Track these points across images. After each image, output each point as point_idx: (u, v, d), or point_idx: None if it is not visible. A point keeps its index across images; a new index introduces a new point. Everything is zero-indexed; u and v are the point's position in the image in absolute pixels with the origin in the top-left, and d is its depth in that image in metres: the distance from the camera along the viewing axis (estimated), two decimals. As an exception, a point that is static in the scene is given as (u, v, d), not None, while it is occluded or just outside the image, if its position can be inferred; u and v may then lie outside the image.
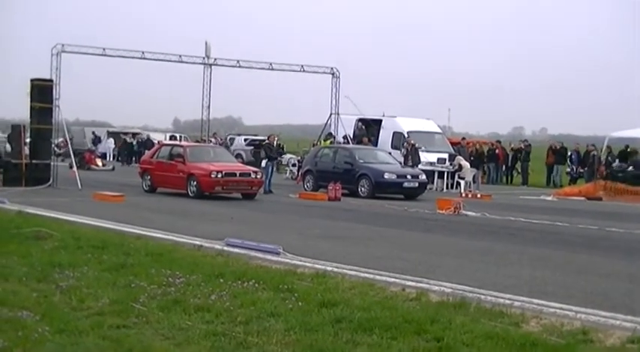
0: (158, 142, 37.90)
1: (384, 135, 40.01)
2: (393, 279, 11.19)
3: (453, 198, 25.84)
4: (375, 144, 38.72)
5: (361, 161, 29.99)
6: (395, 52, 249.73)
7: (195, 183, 26.14)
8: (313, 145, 39.87)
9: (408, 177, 29.74)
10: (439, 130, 42.59)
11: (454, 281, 11.03)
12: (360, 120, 41.87)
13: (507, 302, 9.70)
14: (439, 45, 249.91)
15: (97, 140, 62.50)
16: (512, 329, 8.21)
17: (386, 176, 29.09)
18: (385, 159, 31.56)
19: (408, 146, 35.35)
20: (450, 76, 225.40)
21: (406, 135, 38.16)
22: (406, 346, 7.48)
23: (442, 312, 8.79)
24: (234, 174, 26.45)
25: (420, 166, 33.70)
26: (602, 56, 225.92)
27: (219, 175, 25.98)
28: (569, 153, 41.95)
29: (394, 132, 39.40)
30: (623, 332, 8.30)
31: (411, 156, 34.80)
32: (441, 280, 11.14)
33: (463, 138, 45.07)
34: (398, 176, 29.37)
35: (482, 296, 10.00)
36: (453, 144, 40.76)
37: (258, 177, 27.11)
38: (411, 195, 29.27)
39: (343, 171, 29.72)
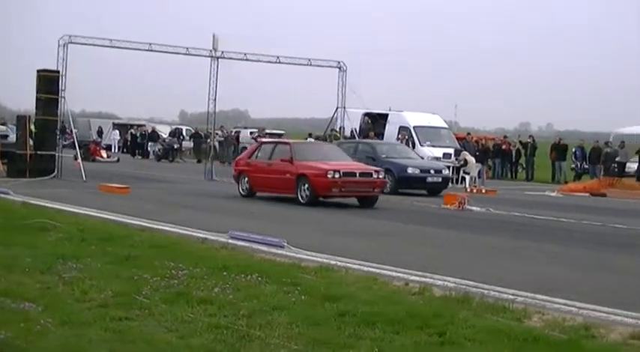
0: (257, 139, 35.75)
1: (390, 129, 40.00)
2: (396, 274, 11.19)
3: (459, 193, 25.78)
4: (381, 138, 38.70)
5: (384, 156, 29.34)
6: (401, 45, 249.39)
7: (307, 185, 22.66)
8: (316, 138, 39.77)
9: (432, 171, 29.21)
10: (445, 125, 42.59)
11: (458, 276, 11.02)
12: (366, 114, 41.87)
13: (511, 297, 9.70)
14: (445, 39, 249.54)
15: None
16: (515, 324, 8.21)
17: (409, 171, 28.52)
18: (408, 153, 31.18)
19: (402, 140, 35.22)
20: (457, 71, 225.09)
21: (412, 130, 38.18)
22: (409, 340, 7.49)
23: (445, 307, 8.79)
24: (354, 174, 22.96)
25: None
26: (610, 53, 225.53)
27: (337, 175, 22.52)
28: (573, 149, 42.02)
29: (400, 127, 39.38)
30: (625, 328, 8.30)
31: None
32: (445, 275, 11.14)
33: (468, 134, 45.06)
34: (421, 171, 28.83)
35: (486, 291, 9.98)
36: (458, 139, 40.75)
37: (381, 177, 23.63)
38: (435, 190, 28.51)
39: None
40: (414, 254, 13.61)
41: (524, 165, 43.57)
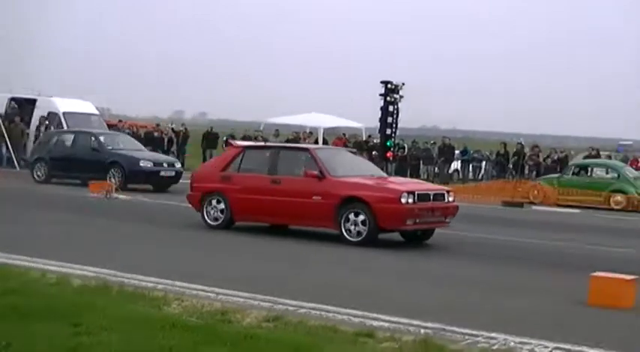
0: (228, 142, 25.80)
1: (37, 114, 38.68)
2: (34, 264, 10.88)
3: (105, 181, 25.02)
4: (28, 124, 37.37)
5: (109, 147, 26.93)
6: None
7: (361, 215, 14.89)
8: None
9: (165, 165, 26.68)
10: (96, 112, 41.91)
11: (99, 266, 10.92)
12: (12, 99, 40.22)
13: (150, 285, 9.80)
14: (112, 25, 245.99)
15: None
16: (153, 312, 8.26)
17: (142, 164, 25.80)
18: (137, 145, 29.27)
19: (43, 125, 34.35)
20: (111, 57, 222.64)
21: (61, 116, 37.17)
22: (44, 332, 7.21)
23: (83, 297, 8.65)
24: (428, 197, 15.63)
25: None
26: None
27: (411, 200, 15.09)
28: (224, 138, 43.22)
29: (49, 113, 38.20)
30: (260, 312, 8.62)
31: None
32: (85, 264, 11.00)
33: (120, 121, 44.77)
34: (155, 164, 26.22)
35: (126, 280, 10.00)
36: (110, 126, 40.31)
37: (451, 200, 16.15)
38: (168, 184, 26.13)
39: (88, 160, 26.24)
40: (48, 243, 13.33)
41: (176, 153, 44.01)
